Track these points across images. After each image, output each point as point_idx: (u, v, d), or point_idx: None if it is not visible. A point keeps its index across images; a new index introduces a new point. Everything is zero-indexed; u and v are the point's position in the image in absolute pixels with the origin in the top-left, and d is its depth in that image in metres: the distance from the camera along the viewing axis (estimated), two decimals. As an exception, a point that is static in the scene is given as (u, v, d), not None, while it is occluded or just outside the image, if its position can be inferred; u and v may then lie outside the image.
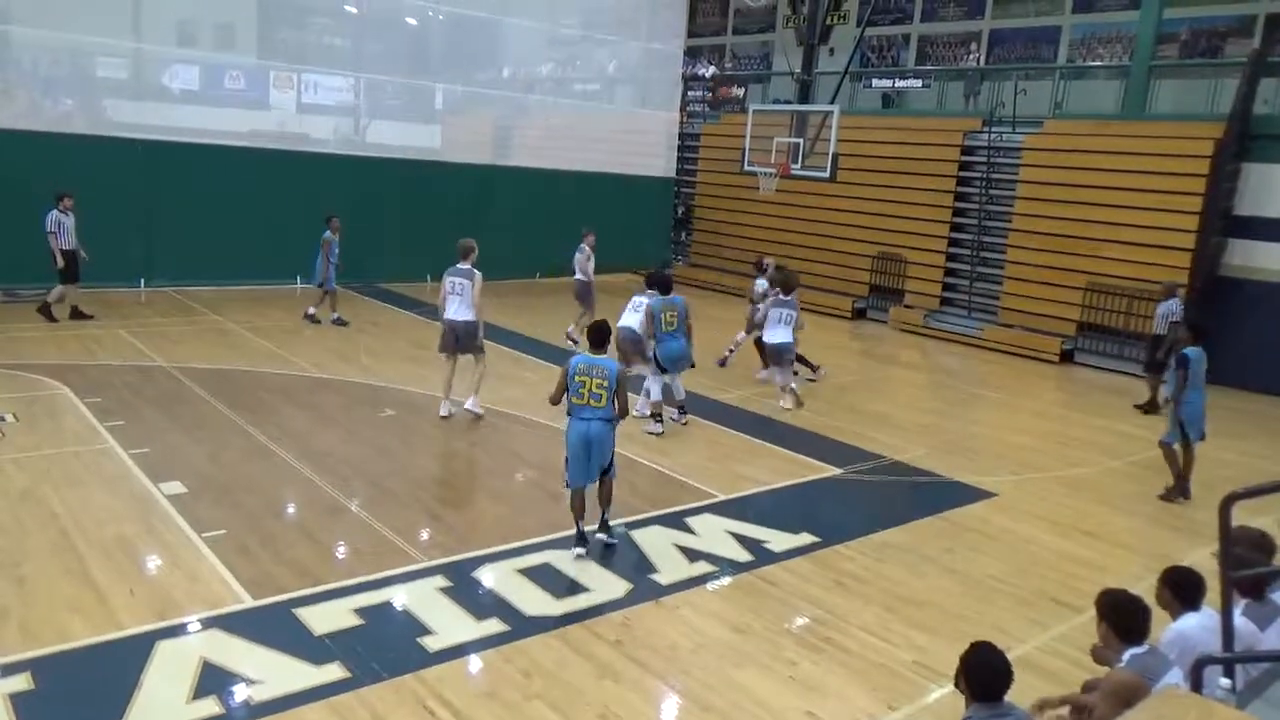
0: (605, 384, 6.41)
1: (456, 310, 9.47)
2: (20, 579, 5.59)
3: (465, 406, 9.71)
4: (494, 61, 21.12)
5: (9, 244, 13.40)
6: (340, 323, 13.82)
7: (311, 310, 13.83)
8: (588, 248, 13.90)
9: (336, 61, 18.66)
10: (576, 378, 6.45)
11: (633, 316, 10.11)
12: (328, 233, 13.57)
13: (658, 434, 9.54)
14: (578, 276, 13.97)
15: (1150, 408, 12.39)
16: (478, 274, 9.50)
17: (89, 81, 16.16)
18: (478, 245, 9.71)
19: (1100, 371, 15.18)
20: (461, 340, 9.55)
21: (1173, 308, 12.28)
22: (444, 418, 9.55)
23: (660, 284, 10.14)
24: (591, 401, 6.42)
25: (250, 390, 10.05)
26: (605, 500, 6.73)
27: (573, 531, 6.58)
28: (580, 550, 6.51)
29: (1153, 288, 14.74)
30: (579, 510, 6.53)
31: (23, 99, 15.28)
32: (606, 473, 6.62)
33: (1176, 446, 8.82)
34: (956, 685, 3.66)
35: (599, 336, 6.68)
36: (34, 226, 12.46)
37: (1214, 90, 16.38)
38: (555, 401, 6.70)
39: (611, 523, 6.87)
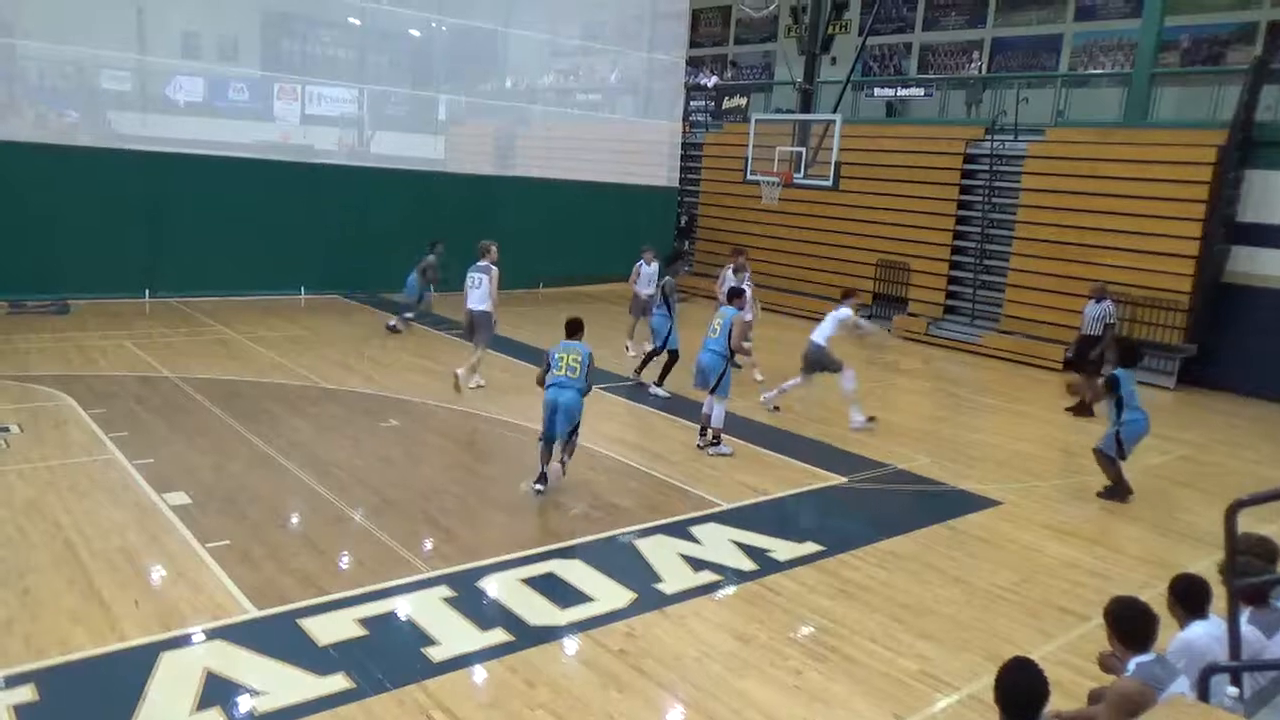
0: (579, 360, 7.81)
1: (473, 301, 10.89)
2: (24, 590, 5.60)
3: (470, 386, 10.81)
4: (497, 72, 21.23)
5: (14, 256, 13.46)
6: (393, 329, 14.21)
7: (409, 315, 14.28)
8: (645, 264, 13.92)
9: (340, 73, 18.76)
10: (557, 355, 7.84)
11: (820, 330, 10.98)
12: (431, 256, 13.96)
13: (728, 454, 9.39)
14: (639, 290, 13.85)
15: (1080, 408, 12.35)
16: (494, 270, 10.88)
17: (94, 94, 16.28)
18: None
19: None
20: (474, 326, 10.92)
21: (1106, 309, 12.30)
22: (455, 374, 10.71)
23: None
24: (568, 373, 7.76)
25: (254, 400, 10.06)
26: (567, 451, 7.95)
27: (576, 540, 6.95)
28: (539, 487, 7.80)
29: (1158, 294, 14.81)
30: (545, 456, 7.86)
31: (28, 111, 15.38)
32: (574, 433, 7.87)
33: (1112, 455, 8.79)
34: (996, 701, 3.51)
35: (574, 327, 8.10)
36: (39, 239, 12.51)
37: (1216, 97, 16.40)
38: (541, 382, 7.89)
39: (618, 533, 7.21)
